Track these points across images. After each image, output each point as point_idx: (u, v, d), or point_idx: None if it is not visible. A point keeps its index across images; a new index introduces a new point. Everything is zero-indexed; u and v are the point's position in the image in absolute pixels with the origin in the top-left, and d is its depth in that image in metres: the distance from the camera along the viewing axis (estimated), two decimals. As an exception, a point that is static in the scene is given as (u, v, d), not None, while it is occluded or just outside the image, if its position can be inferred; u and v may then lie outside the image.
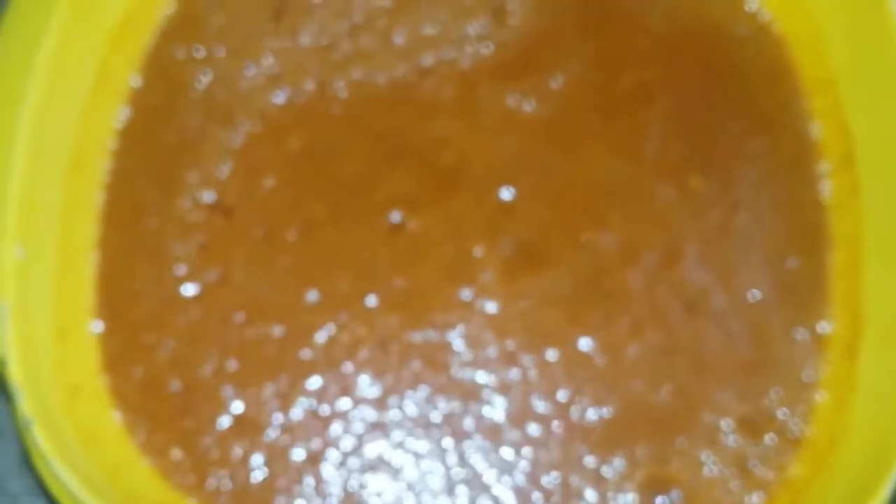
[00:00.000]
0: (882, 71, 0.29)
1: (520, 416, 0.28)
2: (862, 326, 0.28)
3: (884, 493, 0.24)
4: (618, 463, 0.27)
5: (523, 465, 0.27)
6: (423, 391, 0.28)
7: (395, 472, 0.27)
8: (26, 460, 0.30)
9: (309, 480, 0.27)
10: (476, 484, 0.27)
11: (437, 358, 0.28)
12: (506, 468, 0.27)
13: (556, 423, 0.28)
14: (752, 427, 0.28)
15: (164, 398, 0.28)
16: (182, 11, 0.32)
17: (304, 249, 0.30)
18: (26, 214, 0.26)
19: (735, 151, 0.31)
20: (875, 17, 0.29)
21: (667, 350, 0.29)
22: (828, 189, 0.31)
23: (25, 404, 0.24)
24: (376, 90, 0.31)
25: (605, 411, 0.28)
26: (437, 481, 0.27)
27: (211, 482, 0.27)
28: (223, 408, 0.28)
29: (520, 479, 0.27)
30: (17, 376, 0.24)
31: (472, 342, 0.29)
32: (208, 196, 0.30)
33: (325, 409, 0.28)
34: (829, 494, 0.26)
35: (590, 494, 0.27)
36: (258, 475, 0.27)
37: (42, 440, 0.23)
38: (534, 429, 0.28)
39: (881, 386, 0.27)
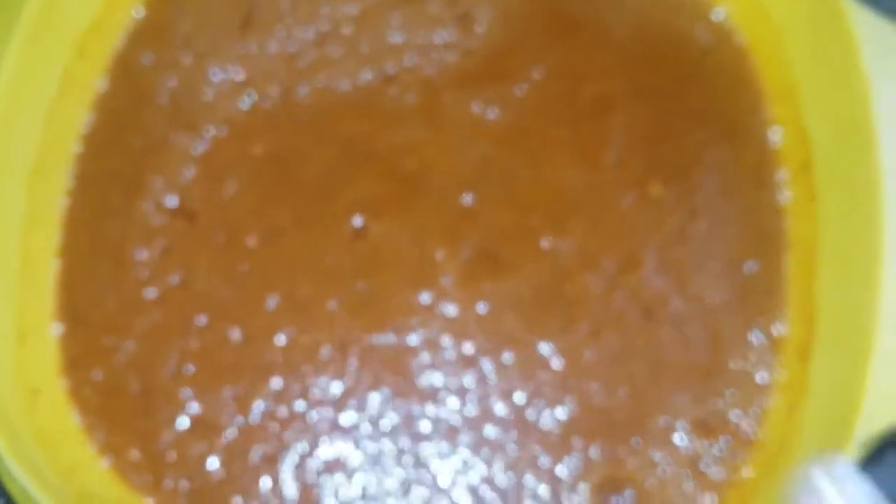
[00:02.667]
0: (841, 80, 0.29)
1: (477, 418, 0.28)
2: (815, 329, 0.29)
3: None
4: (573, 464, 0.28)
5: (479, 466, 0.28)
6: (381, 393, 0.29)
7: (352, 474, 0.28)
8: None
9: (266, 481, 0.28)
10: (432, 485, 0.28)
11: (395, 361, 0.29)
12: (462, 469, 0.28)
13: (512, 425, 0.28)
14: (705, 429, 0.28)
15: (122, 400, 0.28)
16: (150, 17, 0.33)
17: (266, 254, 0.30)
18: (-13, 218, 0.27)
19: (696, 159, 0.32)
20: (835, 29, 0.29)
21: (624, 354, 0.29)
22: (786, 195, 0.31)
23: (-19, 407, 0.24)
24: (341, 97, 0.32)
25: (562, 413, 0.28)
26: (393, 482, 0.28)
27: (168, 482, 0.28)
28: (181, 409, 0.28)
29: (475, 479, 0.28)
30: (-28, 379, 0.24)
31: (432, 345, 0.29)
32: (172, 201, 0.31)
33: (283, 412, 0.28)
34: (777, 494, 0.26)
35: (544, 494, 0.28)
36: (215, 476, 0.28)
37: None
38: (490, 430, 0.28)
39: (831, 389, 0.27)
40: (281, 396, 0.28)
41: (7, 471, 0.24)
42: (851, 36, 0.29)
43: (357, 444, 0.28)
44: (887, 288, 0.26)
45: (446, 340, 0.29)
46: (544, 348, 0.29)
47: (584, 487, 0.28)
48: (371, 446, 0.28)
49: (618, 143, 0.32)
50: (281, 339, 0.29)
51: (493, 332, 0.29)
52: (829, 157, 0.30)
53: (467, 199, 0.31)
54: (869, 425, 0.25)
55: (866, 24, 0.29)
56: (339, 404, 0.28)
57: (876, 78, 0.29)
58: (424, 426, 0.28)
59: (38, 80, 0.30)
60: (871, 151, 0.28)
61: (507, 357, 0.29)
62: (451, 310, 0.29)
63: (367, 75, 0.32)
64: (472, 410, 0.28)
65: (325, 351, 0.29)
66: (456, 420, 0.28)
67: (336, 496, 0.27)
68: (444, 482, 0.28)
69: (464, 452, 0.28)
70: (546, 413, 0.28)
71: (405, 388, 0.29)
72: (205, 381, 0.28)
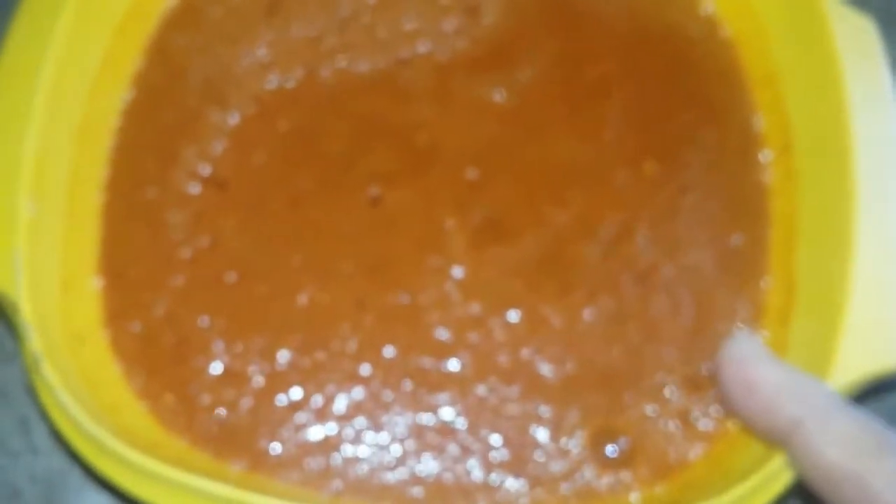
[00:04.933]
0: (817, 69, 0.32)
1: (484, 370, 0.30)
2: (794, 296, 0.30)
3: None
4: (572, 414, 0.29)
5: (486, 413, 0.30)
6: (395, 347, 0.30)
7: (369, 419, 0.29)
8: (27, 420, 0.33)
9: (289, 426, 0.29)
10: (443, 429, 0.29)
11: (408, 318, 0.30)
12: (470, 416, 0.29)
13: (516, 378, 0.30)
14: (694, 385, 0.30)
15: (158, 350, 0.30)
16: (183, 3, 0.35)
17: (290, 219, 0.32)
18: (38, 178, 0.28)
19: (686, 140, 0.34)
20: (812, 23, 0.32)
21: (618, 316, 0.31)
22: (768, 174, 0.33)
23: (36, 342, 0.26)
24: (359, 78, 0.34)
25: (562, 369, 0.30)
26: (407, 428, 0.29)
27: (199, 425, 0.29)
28: (212, 359, 0.30)
29: (483, 424, 0.29)
30: (28, 317, 0.26)
31: (442, 305, 0.31)
32: (204, 170, 0.32)
33: (305, 362, 0.30)
34: (760, 443, 0.28)
35: (544, 440, 0.29)
36: (243, 420, 0.29)
37: (50, 373, 0.25)
38: (495, 382, 0.30)
39: (807, 349, 0.29)
40: (303, 348, 0.30)
41: (59, 403, 0.26)
42: (826, 28, 0.31)
43: (373, 393, 0.30)
44: (859, 259, 0.28)
45: (455, 300, 0.31)
46: (545, 309, 0.31)
47: (581, 435, 0.29)
48: (386, 394, 0.30)
49: (614, 124, 0.33)
50: (303, 297, 0.31)
51: (498, 293, 0.31)
52: (807, 140, 0.32)
53: (475, 172, 0.32)
54: (841, 380, 0.27)
55: (839, 18, 0.32)
56: (356, 356, 0.30)
57: (849, 67, 0.31)
58: (435, 377, 0.30)
59: (83, 59, 0.31)
60: (845, 133, 0.30)
61: (512, 316, 0.31)
62: (459, 272, 0.31)
63: (383, 59, 0.34)
64: (479, 363, 0.30)
65: (344, 307, 0.30)
66: (464, 372, 0.30)
67: (354, 439, 0.29)
68: (453, 427, 0.29)
69: (471, 401, 0.30)
70: (547, 368, 0.30)
71: (417, 342, 0.30)
72: (234, 333, 0.30)
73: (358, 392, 0.30)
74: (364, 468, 0.29)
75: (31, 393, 0.28)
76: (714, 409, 0.30)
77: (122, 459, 0.25)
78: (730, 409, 0.28)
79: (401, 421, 0.29)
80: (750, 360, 0.27)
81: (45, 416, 0.27)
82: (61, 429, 0.26)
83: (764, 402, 0.26)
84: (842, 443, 0.24)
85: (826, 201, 0.31)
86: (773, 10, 0.34)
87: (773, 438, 0.26)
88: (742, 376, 0.26)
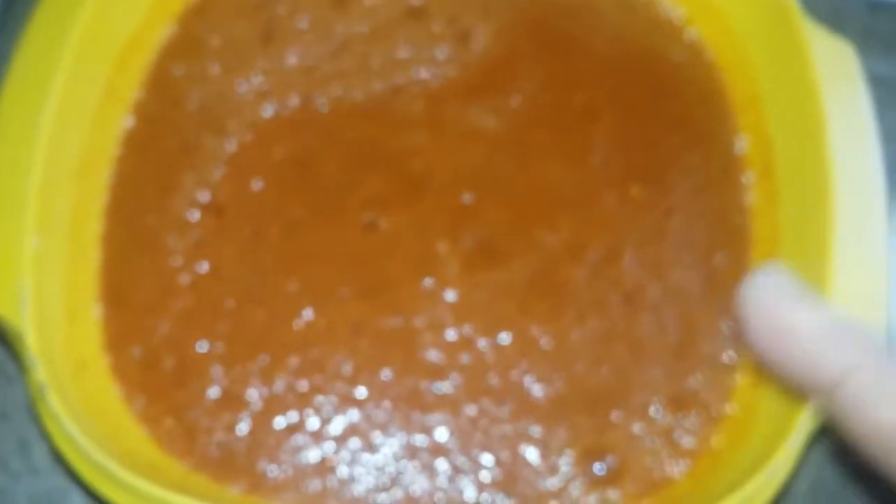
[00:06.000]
0: (797, 92, 0.32)
1: (475, 391, 0.31)
2: None
3: (782, 455, 0.27)
4: (561, 434, 0.30)
5: (478, 434, 0.30)
6: (390, 369, 0.31)
7: (364, 440, 0.30)
8: (27, 441, 0.33)
9: (287, 448, 0.30)
10: (435, 450, 0.30)
11: (402, 341, 0.31)
12: (462, 436, 0.30)
13: (506, 398, 0.31)
14: (679, 404, 0.31)
15: (159, 374, 0.30)
16: (181, 33, 0.35)
17: (287, 245, 0.32)
18: (42, 209, 0.29)
19: (671, 163, 0.34)
20: (792, 47, 0.33)
21: (606, 336, 0.31)
22: (751, 196, 0.34)
23: (41, 372, 0.27)
24: (354, 105, 0.34)
25: (551, 389, 0.31)
26: (401, 448, 0.30)
27: (199, 449, 0.30)
28: (212, 383, 0.30)
29: (475, 444, 0.30)
30: (34, 348, 0.27)
31: (435, 327, 0.31)
32: (203, 197, 0.33)
33: (302, 385, 0.31)
34: (742, 460, 0.29)
35: (534, 459, 0.30)
36: (241, 443, 0.30)
37: (55, 402, 0.26)
38: (487, 402, 0.31)
39: None
40: (301, 372, 0.30)
41: (63, 430, 0.26)
42: (806, 52, 0.32)
43: (368, 415, 0.30)
44: (837, 280, 0.29)
45: (448, 322, 0.31)
46: (535, 330, 0.31)
47: (570, 453, 0.30)
48: (381, 416, 0.30)
49: (601, 148, 0.34)
50: (300, 321, 0.31)
51: (489, 315, 0.31)
52: (788, 162, 0.33)
53: (467, 197, 0.33)
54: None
55: (819, 41, 0.32)
56: (352, 379, 0.31)
57: (828, 89, 0.31)
58: (428, 399, 0.30)
59: (85, 89, 0.32)
60: (825, 156, 0.30)
61: (502, 338, 0.31)
62: (452, 296, 0.32)
63: (377, 86, 0.35)
64: (470, 385, 0.31)
65: (340, 331, 0.31)
66: (456, 393, 0.31)
67: (350, 461, 0.30)
68: (446, 447, 0.30)
69: (463, 422, 0.30)
70: (537, 388, 0.31)
71: (411, 365, 0.31)
72: (232, 358, 0.30)
73: (353, 414, 0.30)
74: (359, 489, 0.30)
75: (32, 414, 0.28)
76: (697, 426, 0.31)
77: (124, 484, 0.26)
78: (756, 357, 0.23)
79: (395, 442, 0.30)
80: (782, 302, 0.22)
81: (45, 437, 0.28)
82: (66, 455, 0.27)
83: (803, 350, 0.22)
84: None
85: (805, 223, 0.31)
86: (755, 35, 0.35)
87: (812, 390, 0.22)
88: (774, 322, 0.22)
